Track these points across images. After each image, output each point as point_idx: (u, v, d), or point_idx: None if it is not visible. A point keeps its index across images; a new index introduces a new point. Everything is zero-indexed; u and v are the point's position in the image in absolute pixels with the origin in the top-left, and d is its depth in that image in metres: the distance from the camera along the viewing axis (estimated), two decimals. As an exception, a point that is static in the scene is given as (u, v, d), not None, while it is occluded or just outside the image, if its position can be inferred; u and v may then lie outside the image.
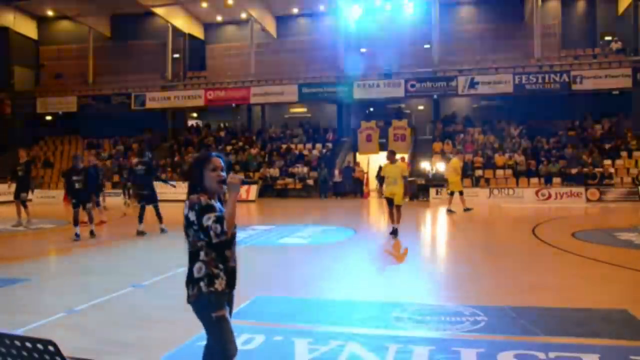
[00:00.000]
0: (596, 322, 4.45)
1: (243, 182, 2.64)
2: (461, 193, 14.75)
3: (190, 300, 2.63)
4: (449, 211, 14.32)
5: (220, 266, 2.61)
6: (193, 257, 2.63)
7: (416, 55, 24.67)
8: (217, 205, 2.64)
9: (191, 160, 2.88)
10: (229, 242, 2.63)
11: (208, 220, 2.50)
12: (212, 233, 2.48)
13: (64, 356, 1.39)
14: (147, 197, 10.54)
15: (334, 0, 23.68)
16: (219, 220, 2.50)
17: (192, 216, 2.55)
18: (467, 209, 14.50)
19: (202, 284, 2.57)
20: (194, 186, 2.66)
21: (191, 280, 2.62)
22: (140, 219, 10.39)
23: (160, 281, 6.33)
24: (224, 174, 2.67)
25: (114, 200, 18.84)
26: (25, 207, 12.10)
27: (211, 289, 2.57)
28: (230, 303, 2.76)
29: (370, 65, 23.67)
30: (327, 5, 25.19)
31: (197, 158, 2.75)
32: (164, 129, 27.51)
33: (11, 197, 12.53)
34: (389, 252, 8.68)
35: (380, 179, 9.90)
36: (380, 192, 9.91)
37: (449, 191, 15.01)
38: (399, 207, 9.74)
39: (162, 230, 10.44)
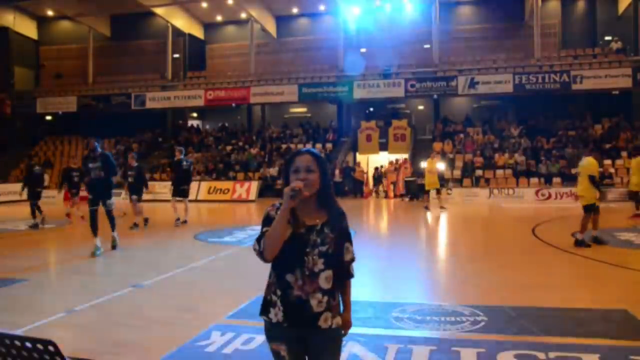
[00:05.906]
0: (596, 322, 4.45)
1: (292, 196, 1.98)
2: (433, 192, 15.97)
3: None
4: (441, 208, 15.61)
5: (278, 292, 2.07)
6: None
7: (416, 55, 24.69)
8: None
9: None
10: (293, 263, 2.05)
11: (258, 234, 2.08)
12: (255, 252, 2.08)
13: (64, 356, 1.39)
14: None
15: (334, 0, 23.69)
16: (259, 238, 2.04)
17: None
18: (426, 207, 15.64)
19: (262, 307, 2.17)
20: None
21: None
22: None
23: (160, 281, 6.32)
24: (306, 175, 2.08)
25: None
26: None
27: (264, 317, 2.12)
28: (304, 345, 2.10)
29: (370, 65, 23.68)
30: (327, 5, 25.21)
31: (285, 158, 2.32)
32: (164, 129, 27.52)
33: (12, 198, 12.86)
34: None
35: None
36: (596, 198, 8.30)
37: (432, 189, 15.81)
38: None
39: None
